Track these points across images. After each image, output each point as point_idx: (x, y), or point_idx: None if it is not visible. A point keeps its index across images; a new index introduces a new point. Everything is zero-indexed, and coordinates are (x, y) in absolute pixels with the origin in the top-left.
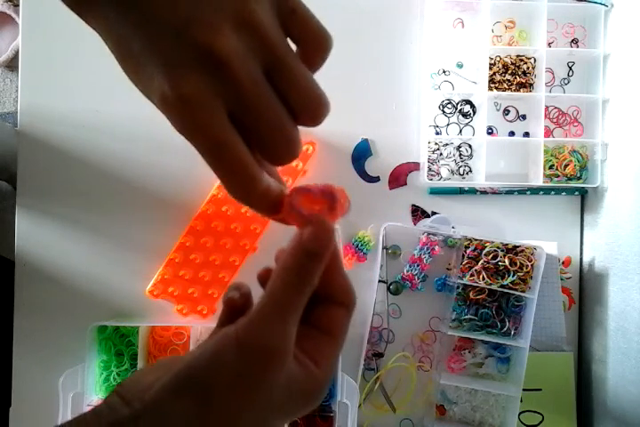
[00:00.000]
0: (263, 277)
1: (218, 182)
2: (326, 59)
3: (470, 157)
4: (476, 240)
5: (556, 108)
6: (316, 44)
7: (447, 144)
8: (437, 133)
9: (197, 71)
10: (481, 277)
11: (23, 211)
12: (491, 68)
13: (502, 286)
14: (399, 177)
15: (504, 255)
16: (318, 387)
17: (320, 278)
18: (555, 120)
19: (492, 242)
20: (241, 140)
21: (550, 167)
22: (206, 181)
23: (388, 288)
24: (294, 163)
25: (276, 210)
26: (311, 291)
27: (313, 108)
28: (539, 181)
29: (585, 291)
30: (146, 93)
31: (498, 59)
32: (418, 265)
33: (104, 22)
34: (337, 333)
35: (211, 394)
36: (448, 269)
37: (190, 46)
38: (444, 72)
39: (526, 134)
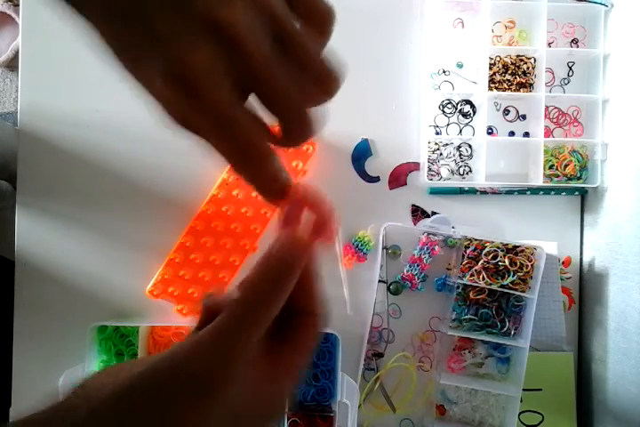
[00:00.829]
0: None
1: (218, 182)
2: (331, 34)
3: (470, 157)
4: (476, 240)
5: (555, 108)
6: (319, 18)
7: (447, 144)
8: (437, 133)
9: (204, 43)
10: (481, 277)
11: (23, 210)
12: (491, 68)
13: (502, 286)
14: (399, 177)
15: (504, 255)
16: (272, 406)
17: (293, 295)
18: (555, 120)
19: (492, 242)
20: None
21: (550, 167)
22: (207, 181)
23: (388, 288)
24: (294, 163)
25: (281, 196)
26: (272, 316)
27: (325, 79)
28: (539, 181)
29: (585, 291)
30: (145, 82)
31: (498, 59)
32: (418, 265)
33: (101, 12)
34: (302, 344)
35: (145, 413)
36: (448, 269)
37: (195, 18)
38: (444, 72)
39: (526, 134)
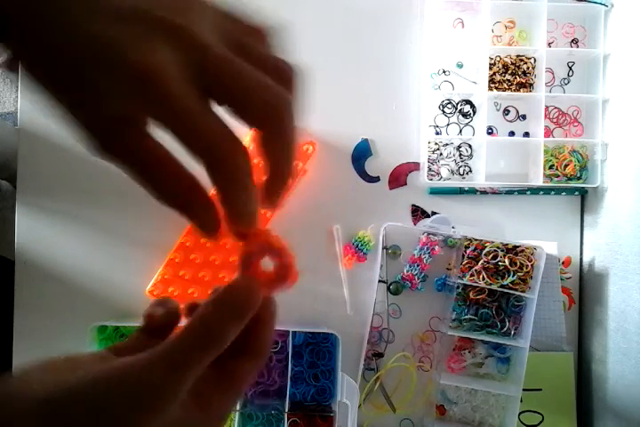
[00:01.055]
0: (189, 310)
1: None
2: (297, 84)
3: (470, 157)
4: (476, 240)
5: (556, 108)
6: (280, 74)
7: (447, 144)
8: (437, 133)
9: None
10: (481, 277)
11: (23, 210)
12: (491, 68)
13: (502, 286)
14: (399, 177)
15: (504, 255)
16: None
17: (244, 330)
18: (555, 120)
19: (492, 242)
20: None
21: (550, 167)
22: (208, 181)
23: (388, 288)
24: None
25: (246, 228)
26: (220, 350)
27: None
28: (539, 181)
29: (585, 291)
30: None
31: (498, 59)
32: (418, 265)
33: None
34: (239, 382)
35: (80, 422)
36: (448, 269)
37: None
38: (444, 72)
39: (526, 134)
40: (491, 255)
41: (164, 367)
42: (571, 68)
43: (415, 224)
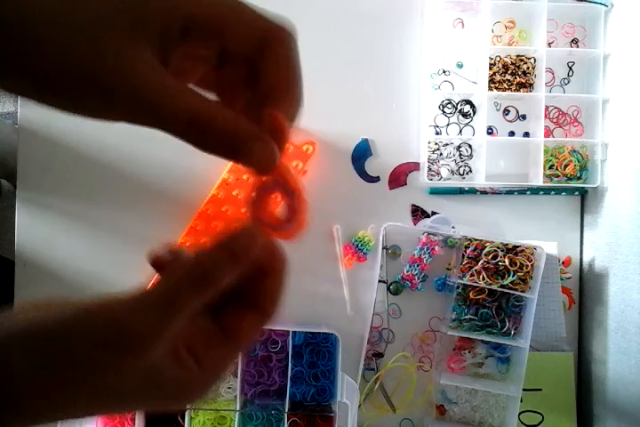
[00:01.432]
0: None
1: (218, 182)
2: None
3: (470, 157)
4: (476, 240)
5: (556, 108)
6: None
7: (447, 144)
8: (437, 133)
9: None
10: (481, 277)
11: (23, 209)
12: (491, 68)
13: (502, 286)
14: (399, 177)
15: (504, 255)
16: (190, 387)
17: (251, 282)
18: (555, 120)
19: (492, 242)
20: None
21: (550, 167)
22: (207, 181)
23: (388, 288)
24: (294, 163)
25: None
26: (212, 293)
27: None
28: (539, 181)
29: (585, 291)
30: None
31: (498, 59)
32: (418, 265)
33: None
34: (237, 338)
35: (62, 356)
36: (448, 269)
37: None
38: (444, 72)
39: (526, 134)
40: (491, 255)
41: (147, 305)
42: (571, 68)
43: (415, 224)
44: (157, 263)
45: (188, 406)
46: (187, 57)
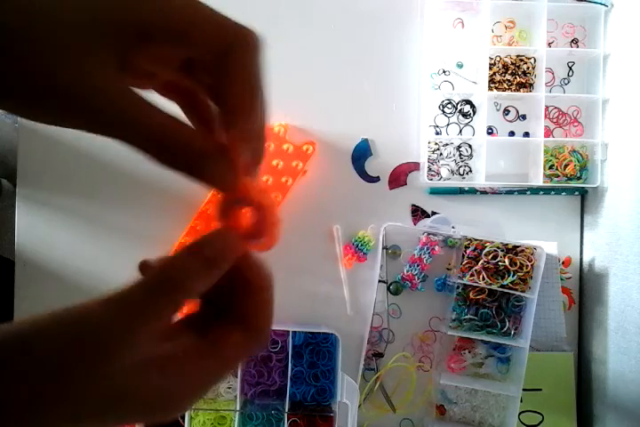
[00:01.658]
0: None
1: None
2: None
3: (470, 157)
4: (476, 240)
5: (556, 108)
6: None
7: (447, 144)
8: (437, 133)
9: None
10: (481, 277)
11: (23, 209)
12: (491, 68)
13: (502, 286)
14: (399, 177)
15: (504, 255)
16: (172, 398)
17: (238, 298)
18: (555, 120)
19: (492, 242)
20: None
21: (550, 167)
22: None
23: (388, 288)
24: (294, 163)
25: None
26: (180, 301)
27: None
28: (539, 181)
29: (585, 291)
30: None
31: (498, 59)
32: (418, 265)
33: None
34: (225, 354)
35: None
36: (448, 269)
37: None
38: (444, 72)
39: (526, 134)
40: (491, 255)
41: (111, 312)
42: (571, 68)
43: (415, 224)
44: (145, 269)
45: (172, 417)
46: (153, 62)
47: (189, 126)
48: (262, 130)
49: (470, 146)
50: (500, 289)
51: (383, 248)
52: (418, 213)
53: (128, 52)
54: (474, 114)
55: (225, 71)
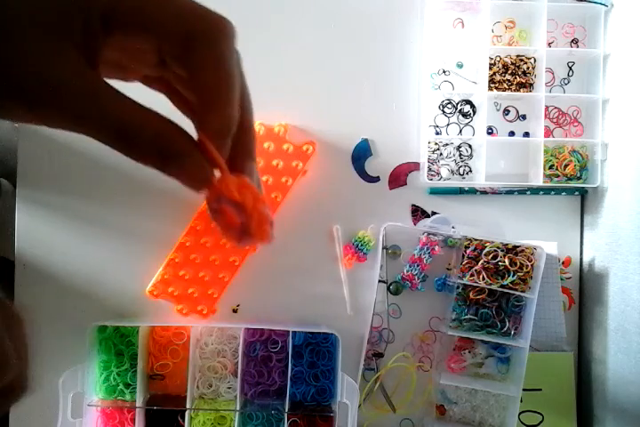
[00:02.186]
0: None
1: None
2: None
3: (470, 157)
4: (476, 240)
5: (556, 108)
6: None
7: (447, 144)
8: (437, 133)
9: None
10: (481, 277)
11: (23, 209)
12: (491, 68)
13: (502, 286)
14: (399, 177)
15: (504, 255)
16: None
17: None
18: (555, 120)
19: (492, 242)
20: None
21: (550, 167)
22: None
23: (388, 288)
24: (294, 163)
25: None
26: None
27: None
28: (539, 181)
29: (585, 291)
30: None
31: (498, 59)
32: (418, 265)
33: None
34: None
35: None
36: (448, 269)
37: None
38: (444, 72)
39: (526, 134)
40: (491, 255)
41: None
42: (571, 68)
43: (415, 224)
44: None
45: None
46: (128, 56)
47: (163, 121)
48: (227, 125)
49: (470, 146)
50: (500, 289)
51: (383, 248)
52: (418, 213)
53: (96, 45)
54: (474, 114)
55: (190, 61)
